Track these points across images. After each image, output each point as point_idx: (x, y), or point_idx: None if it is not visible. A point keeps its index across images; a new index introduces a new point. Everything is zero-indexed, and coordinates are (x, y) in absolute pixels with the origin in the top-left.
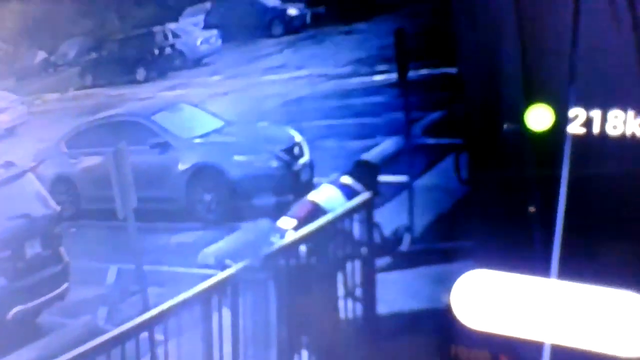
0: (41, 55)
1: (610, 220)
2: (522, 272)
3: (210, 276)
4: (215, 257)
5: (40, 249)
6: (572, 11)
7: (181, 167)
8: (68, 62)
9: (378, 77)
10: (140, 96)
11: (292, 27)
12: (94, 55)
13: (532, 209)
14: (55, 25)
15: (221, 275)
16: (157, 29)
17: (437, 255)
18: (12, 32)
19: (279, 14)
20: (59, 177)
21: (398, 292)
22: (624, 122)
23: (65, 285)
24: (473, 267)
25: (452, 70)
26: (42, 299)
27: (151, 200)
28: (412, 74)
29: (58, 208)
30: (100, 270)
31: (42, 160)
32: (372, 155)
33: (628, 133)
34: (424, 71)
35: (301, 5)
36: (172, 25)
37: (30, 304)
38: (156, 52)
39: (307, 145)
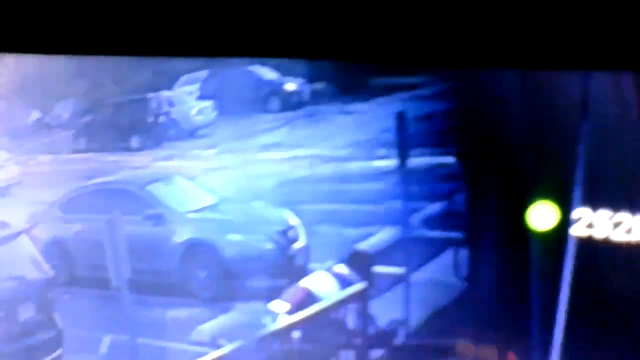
0: (35, 114)
1: (612, 330)
2: None
3: (204, 354)
4: (210, 335)
5: (34, 313)
6: (580, 111)
7: (175, 241)
8: (62, 123)
9: (377, 163)
10: (135, 164)
11: (290, 103)
12: (88, 118)
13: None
14: (49, 84)
15: (215, 354)
16: (151, 95)
17: (433, 351)
18: (5, 89)
19: (276, 88)
20: (53, 241)
21: None
22: (630, 229)
23: (59, 352)
24: None
25: (454, 160)
26: None
27: (145, 272)
28: (413, 161)
29: (52, 273)
30: (94, 339)
31: (36, 222)
32: (368, 245)
33: (634, 239)
34: (425, 159)
35: (299, 81)
36: (166, 93)
37: None
38: (151, 119)
39: (303, 229)
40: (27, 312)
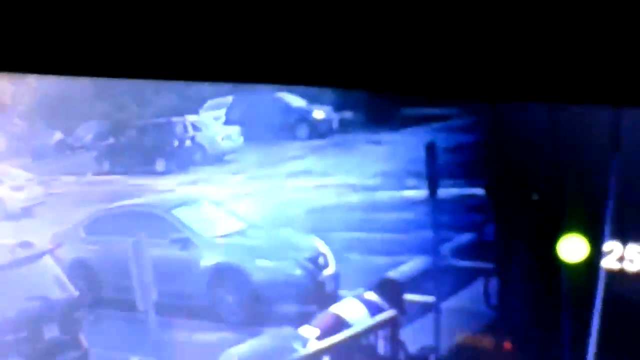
0: (57, 135)
1: None
2: None
3: None
4: (239, 359)
5: (58, 332)
6: (609, 145)
7: (203, 265)
8: (85, 145)
9: (406, 193)
10: (160, 188)
11: (318, 131)
12: (111, 140)
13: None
14: (71, 106)
15: None
16: (177, 119)
17: None
18: (28, 109)
19: (305, 116)
20: (77, 262)
21: None
22: None
23: None
24: None
25: (483, 191)
26: None
27: (172, 295)
28: (442, 191)
29: (76, 293)
30: None
31: (60, 243)
32: (398, 273)
33: None
34: (454, 189)
35: (328, 109)
36: (192, 118)
37: None
38: (176, 143)
39: (333, 257)
40: (51, 332)
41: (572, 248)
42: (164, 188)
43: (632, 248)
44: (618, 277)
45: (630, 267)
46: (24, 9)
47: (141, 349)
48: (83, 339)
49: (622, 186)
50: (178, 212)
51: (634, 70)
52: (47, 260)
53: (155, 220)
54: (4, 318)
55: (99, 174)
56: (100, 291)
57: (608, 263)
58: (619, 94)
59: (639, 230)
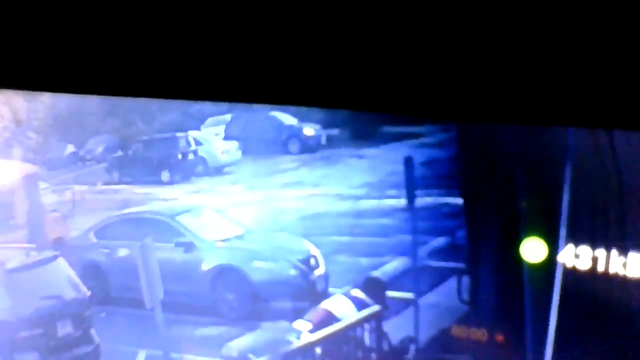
0: (70, 148)
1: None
2: None
3: None
4: (239, 351)
5: (71, 329)
6: (563, 161)
7: (205, 266)
8: (95, 157)
9: (388, 201)
10: (165, 196)
11: (308, 146)
12: (120, 153)
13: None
14: (83, 121)
15: None
16: (180, 134)
17: None
18: (43, 124)
19: (296, 132)
20: (89, 264)
21: None
22: (608, 262)
23: None
24: None
25: (457, 200)
26: None
27: (177, 294)
28: (419, 200)
29: (88, 293)
30: (130, 354)
31: (73, 246)
32: (381, 272)
33: (612, 270)
34: (430, 198)
35: (317, 126)
36: (194, 133)
37: None
38: (179, 156)
39: (323, 258)
40: (65, 329)
41: (532, 248)
42: (169, 197)
43: (584, 249)
44: (572, 275)
45: (582, 266)
46: (40, 34)
47: (149, 344)
48: (94, 334)
49: (574, 195)
50: (182, 219)
51: (584, 94)
52: (61, 262)
53: (161, 226)
54: (21, 316)
55: (108, 183)
56: (110, 291)
57: (563, 261)
58: (571, 115)
59: (589, 235)
